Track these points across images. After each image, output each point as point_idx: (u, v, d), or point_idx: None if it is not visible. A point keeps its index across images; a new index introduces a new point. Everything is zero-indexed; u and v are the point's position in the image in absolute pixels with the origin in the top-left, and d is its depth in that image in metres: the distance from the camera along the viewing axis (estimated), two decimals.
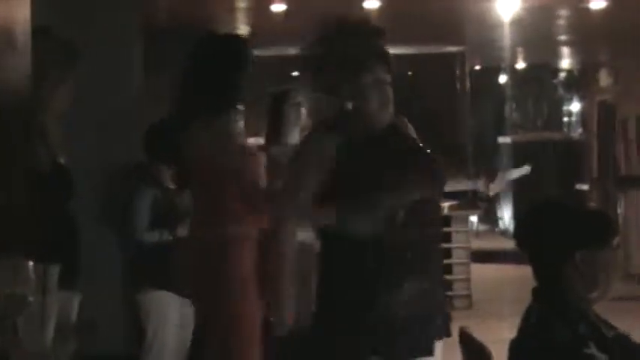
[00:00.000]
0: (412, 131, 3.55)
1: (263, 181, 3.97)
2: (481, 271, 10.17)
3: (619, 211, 10.81)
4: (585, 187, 12.36)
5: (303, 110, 5.09)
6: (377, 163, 3.30)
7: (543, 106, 14.77)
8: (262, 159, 4.11)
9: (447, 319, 3.33)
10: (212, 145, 3.94)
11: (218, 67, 3.97)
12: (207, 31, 4.40)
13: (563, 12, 8.81)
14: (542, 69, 13.99)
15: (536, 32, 9.84)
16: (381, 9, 7.77)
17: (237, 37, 4.26)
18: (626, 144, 11.73)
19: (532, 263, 2.79)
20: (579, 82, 13.64)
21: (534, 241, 2.80)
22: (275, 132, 5.12)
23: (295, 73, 10.22)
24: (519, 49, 11.78)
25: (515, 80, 14.34)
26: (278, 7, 7.76)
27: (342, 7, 7.72)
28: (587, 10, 8.09)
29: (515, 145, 14.30)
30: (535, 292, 2.77)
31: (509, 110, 15.16)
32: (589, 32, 9.91)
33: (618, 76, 12.10)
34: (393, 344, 3.20)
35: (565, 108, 14.39)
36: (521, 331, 2.75)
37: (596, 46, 11.47)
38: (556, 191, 12.76)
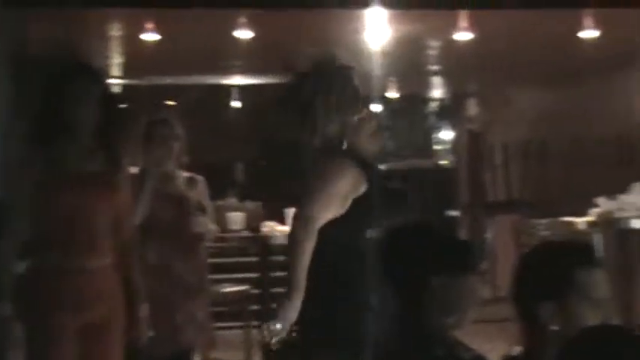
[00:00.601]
0: None
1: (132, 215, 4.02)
2: None
3: (487, 236, 11.13)
4: (456, 213, 12.65)
5: None
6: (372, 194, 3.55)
7: (415, 134, 15.04)
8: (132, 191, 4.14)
9: None
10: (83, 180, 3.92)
11: (79, 102, 3.90)
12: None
13: (433, 43, 9.03)
14: (414, 99, 14.25)
15: (406, 62, 10.05)
16: (254, 39, 7.84)
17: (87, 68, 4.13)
18: (493, 171, 12.11)
19: (392, 287, 2.82)
20: (449, 112, 13.97)
21: (393, 265, 2.84)
22: None
23: (169, 102, 10.21)
24: (390, 79, 12.00)
25: (387, 110, 14.58)
26: (150, 37, 7.73)
27: (213, 37, 7.84)
28: (455, 41, 8.29)
29: (388, 173, 14.50)
30: (393, 318, 2.81)
31: (385, 139, 15.40)
32: (458, 63, 10.17)
33: (486, 106, 12.47)
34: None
35: (436, 136, 14.69)
36: (382, 354, 2.80)
37: (465, 76, 11.79)
38: (427, 218, 12.99)
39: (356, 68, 3.77)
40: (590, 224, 7.24)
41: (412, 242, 2.83)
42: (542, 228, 8.20)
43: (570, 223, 7.48)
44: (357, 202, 3.52)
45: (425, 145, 15.11)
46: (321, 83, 3.61)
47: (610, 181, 8.24)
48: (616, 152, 10.13)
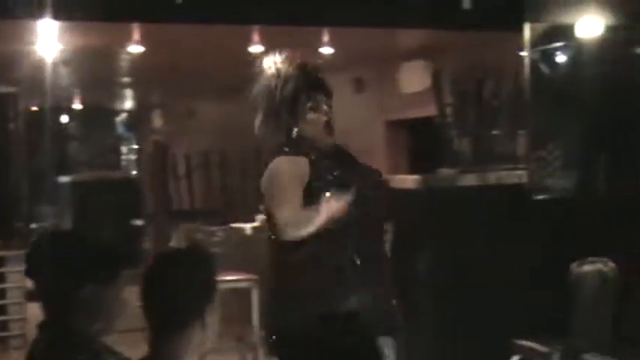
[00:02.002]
0: (351, 153, 3.86)
1: None
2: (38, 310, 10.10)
3: (172, 243, 11.32)
4: (140, 222, 12.78)
5: None
6: (338, 181, 3.58)
7: (102, 145, 15.02)
8: None
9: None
10: None
11: None
12: None
13: (115, 55, 9.09)
14: (101, 110, 14.24)
15: (91, 74, 10.08)
16: None
17: None
18: (177, 181, 12.36)
19: (40, 294, 2.83)
20: (136, 123, 14.08)
21: (42, 271, 2.84)
22: None
23: None
24: (76, 90, 11.96)
25: (76, 120, 14.47)
26: None
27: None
28: (132, 53, 8.42)
29: (75, 184, 14.37)
30: (41, 325, 2.81)
31: (72, 150, 15.24)
32: (141, 75, 10.32)
33: (170, 117, 12.70)
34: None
35: (123, 147, 14.75)
36: None
37: (149, 88, 11.95)
38: (116, 228, 13.02)
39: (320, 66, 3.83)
40: (257, 230, 7.61)
41: (57, 251, 2.82)
42: (221, 234, 8.49)
43: (241, 229, 7.83)
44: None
45: (113, 156, 15.11)
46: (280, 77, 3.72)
47: None
48: None
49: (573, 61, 7.67)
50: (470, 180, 6.96)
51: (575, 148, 7.58)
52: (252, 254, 7.96)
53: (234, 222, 8.45)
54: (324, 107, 3.74)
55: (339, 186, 3.56)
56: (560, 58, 7.69)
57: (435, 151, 8.90)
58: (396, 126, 9.36)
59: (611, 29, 7.32)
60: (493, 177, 7.60)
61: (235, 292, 7.59)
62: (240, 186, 11.61)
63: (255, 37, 7.95)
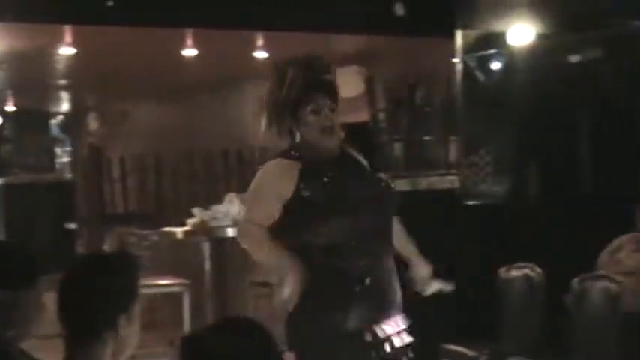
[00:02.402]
0: (361, 158, 3.69)
1: None
2: None
3: (106, 247, 11.22)
4: (74, 226, 12.66)
5: None
6: (331, 189, 3.43)
7: (36, 148, 14.84)
8: None
9: None
10: None
11: None
12: None
13: (49, 57, 8.99)
14: (35, 112, 14.08)
15: (25, 76, 9.98)
16: None
17: None
18: (112, 184, 12.28)
19: None
20: (70, 126, 13.95)
21: None
22: None
23: None
24: (9, 92, 11.82)
25: (9, 122, 14.30)
26: None
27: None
28: (65, 55, 8.35)
29: (8, 187, 14.19)
30: None
31: (5, 152, 15.05)
32: (75, 77, 10.23)
33: (105, 120, 12.60)
34: None
35: (58, 150, 14.60)
36: None
37: (84, 90, 11.86)
38: (49, 231, 12.90)
39: (328, 64, 3.67)
40: (188, 234, 7.58)
41: None
42: (153, 238, 8.43)
43: (172, 233, 7.79)
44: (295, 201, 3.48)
45: (47, 158, 14.94)
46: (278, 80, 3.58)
47: (217, 192, 8.70)
48: (222, 165, 10.68)
49: (505, 68, 7.77)
50: (402, 185, 7.01)
51: (507, 155, 7.68)
52: (184, 258, 7.94)
53: (166, 226, 8.39)
54: (326, 110, 3.57)
55: (330, 192, 3.46)
56: (492, 65, 7.79)
57: (367, 156, 8.93)
58: None
59: (542, 37, 7.42)
60: (425, 182, 7.68)
61: (167, 296, 7.55)
62: (173, 189, 11.57)
63: (189, 40, 7.93)
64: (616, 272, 5.93)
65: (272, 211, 3.48)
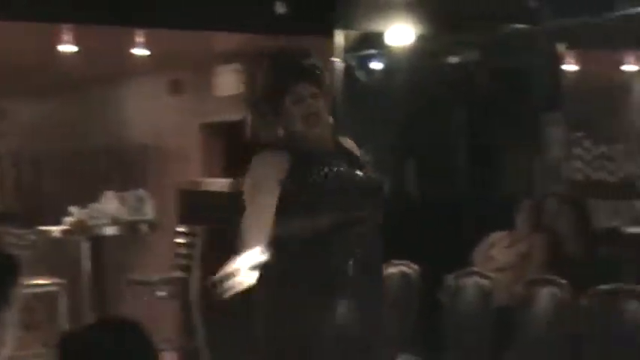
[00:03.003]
0: (355, 149, 3.56)
1: None
2: None
3: None
4: None
5: None
6: (316, 183, 3.29)
7: None
8: None
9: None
10: None
11: None
12: None
13: None
14: None
15: None
16: None
17: None
18: (2, 179, 11.98)
19: None
20: None
21: None
22: None
23: None
24: None
25: None
26: None
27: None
28: None
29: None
30: None
31: None
32: None
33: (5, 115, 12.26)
34: None
35: None
36: None
37: None
38: None
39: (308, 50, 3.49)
40: (65, 232, 7.48)
41: None
42: (30, 238, 8.28)
43: (50, 232, 7.67)
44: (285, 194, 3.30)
45: None
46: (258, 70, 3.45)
47: (96, 191, 8.59)
48: (101, 163, 10.54)
49: (384, 69, 7.89)
50: None
51: (386, 154, 7.79)
52: (60, 258, 7.82)
53: (43, 225, 8.26)
54: (308, 98, 3.37)
55: (314, 186, 3.32)
56: (372, 65, 7.90)
57: (248, 154, 8.94)
58: (211, 129, 9.37)
59: (421, 38, 7.56)
60: None
61: (42, 296, 7.43)
62: (51, 188, 11.36)
63: (66, 36, 7.79)
64: (489, 269, 6.10)
65: (273, 200, 3.29)
